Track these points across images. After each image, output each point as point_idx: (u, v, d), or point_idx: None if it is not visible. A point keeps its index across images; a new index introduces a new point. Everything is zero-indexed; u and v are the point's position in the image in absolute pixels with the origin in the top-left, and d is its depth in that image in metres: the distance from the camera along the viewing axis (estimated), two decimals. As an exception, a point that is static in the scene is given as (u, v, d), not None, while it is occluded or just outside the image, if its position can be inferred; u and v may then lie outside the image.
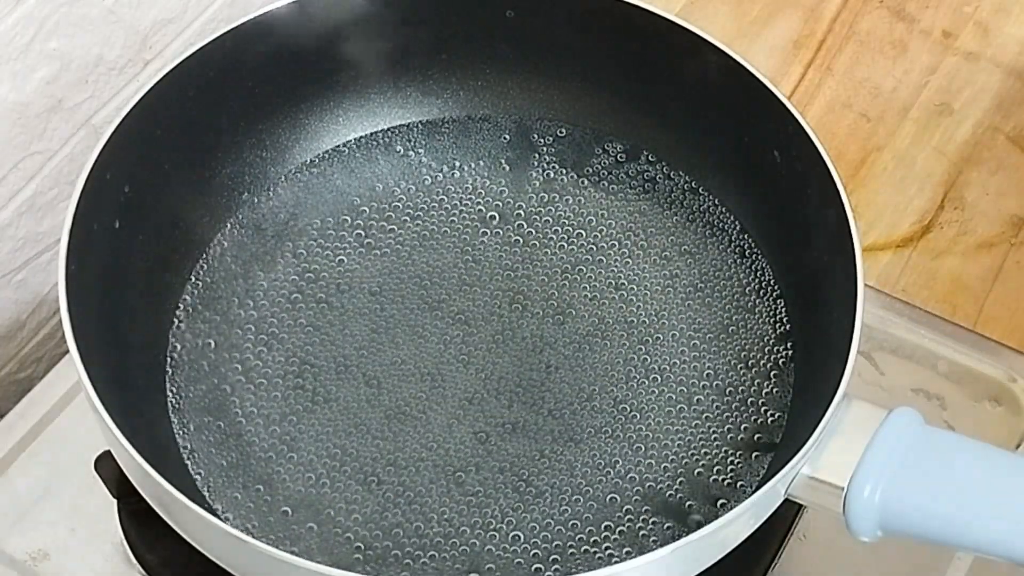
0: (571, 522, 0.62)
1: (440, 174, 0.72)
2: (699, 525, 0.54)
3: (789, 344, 0.66)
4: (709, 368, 0.66)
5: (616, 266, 0.70)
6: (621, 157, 0.73)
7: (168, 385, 0.65)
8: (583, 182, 0.72)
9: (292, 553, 0.54)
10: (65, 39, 0.73)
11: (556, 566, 0.61)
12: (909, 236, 0.82)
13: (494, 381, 0.66)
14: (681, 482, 0.63)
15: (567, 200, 0.72)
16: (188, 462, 0.63)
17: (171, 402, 0.64)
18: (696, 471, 0.63)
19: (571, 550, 0.61)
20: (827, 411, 0.56)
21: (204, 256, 0.69)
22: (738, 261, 0.69)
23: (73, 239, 0.59)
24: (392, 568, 0.60)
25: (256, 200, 0.71)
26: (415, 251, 0.70)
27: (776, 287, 0.68)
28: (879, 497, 0.55)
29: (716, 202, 0.71)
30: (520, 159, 0.73)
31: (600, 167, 0.72)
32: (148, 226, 0.66)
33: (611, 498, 0.62)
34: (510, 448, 0.64)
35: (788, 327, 0.67)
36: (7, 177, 0.74)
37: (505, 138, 0.73)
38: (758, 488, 0.56)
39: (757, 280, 0.69)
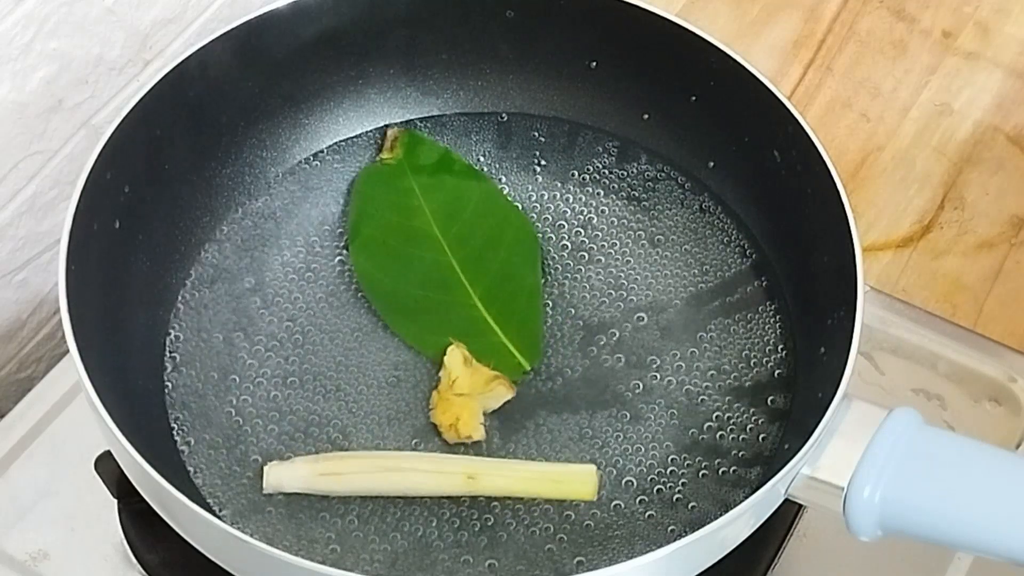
0: (572, 523, 0.62)
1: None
2: (699, 525, 0.54)
3: (789, 344, 0.66)
4: (710, 368, 0.66)
5: (616, 266, 0.69)
6: (621, 157, 0.72)
7: (168, 385, 0.65)
8: (583, 181, 0.72)
9: (291, 553, 0.54)
10: (65, 39, 0.73)
11: (556, 567, 0.61)
12: (909, 236, 0.82)
13: (494, 381, 0.66)
14: (682, 482, 0.63)
15: (567, 200, 0.72)
16: (188, 462, 0.63)
17: (171, 402, 0.64)
18: (697, 471, 0.63)
19: (571, 550, 0.61)
20: (827, 411, 0.56)
21: (204, 256, 0.69)
22: (738, 261, 0.69)
23: (73, 239, 0.59)
24: (388, 570, 0.60)
25: (256, 200, 0.71)
26: (415, 251, 0.70)
27: (776, 287, 0.68)
28: (879, 497, 0.55)
29: (716, 202, 0.71)
30: (520, 159, 0.73)
31: (600, 167, 0.72)
32: (148, 226, 0.66)
33: (613, 501, 0.62)
34: (510, 449, 0.64)
35: (788, 327, 0.67)
36: (7, 177, 0.74)
37: (505, 137, 0.73)
38: (758, 488, 0.56)
39: (757, 280, 0.69)
